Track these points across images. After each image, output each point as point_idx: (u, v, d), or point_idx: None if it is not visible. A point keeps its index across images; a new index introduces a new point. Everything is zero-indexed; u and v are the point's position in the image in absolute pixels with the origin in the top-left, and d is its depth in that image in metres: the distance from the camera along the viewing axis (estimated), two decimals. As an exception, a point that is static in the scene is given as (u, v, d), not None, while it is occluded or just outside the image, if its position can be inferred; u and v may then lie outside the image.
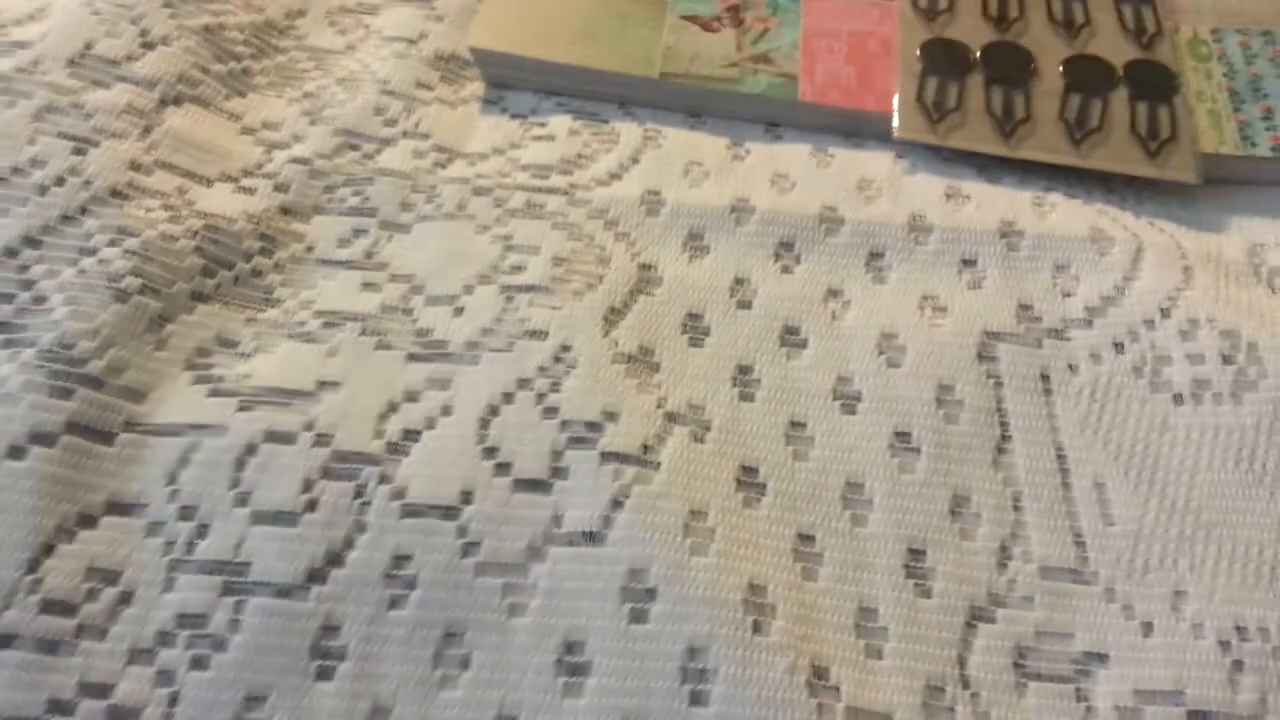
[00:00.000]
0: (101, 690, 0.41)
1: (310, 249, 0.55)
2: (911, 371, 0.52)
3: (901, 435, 0.50)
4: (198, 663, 0.42)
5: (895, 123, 0.63)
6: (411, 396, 0.49)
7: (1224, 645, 0.43)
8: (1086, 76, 0.64)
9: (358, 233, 0.56)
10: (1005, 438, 0.50)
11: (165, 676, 0.42)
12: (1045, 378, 0.52)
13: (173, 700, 0.41)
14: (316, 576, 0.44)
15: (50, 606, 0.42)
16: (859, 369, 0.52)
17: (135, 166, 0.55)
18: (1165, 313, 0.54)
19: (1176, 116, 0.62)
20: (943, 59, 0.65)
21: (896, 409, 0.50)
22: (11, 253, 0.50)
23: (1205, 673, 0.43)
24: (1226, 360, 0.51)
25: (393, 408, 0.49)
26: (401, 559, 0.44)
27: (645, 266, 0.56)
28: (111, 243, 0.52)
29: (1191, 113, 0.63)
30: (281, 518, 0.45)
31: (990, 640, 0.44)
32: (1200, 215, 0.60)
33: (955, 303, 0.55)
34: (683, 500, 0.46)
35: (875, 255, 0.57)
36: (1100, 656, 0.44)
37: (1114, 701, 0.42)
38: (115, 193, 0.54)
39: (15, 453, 0.44)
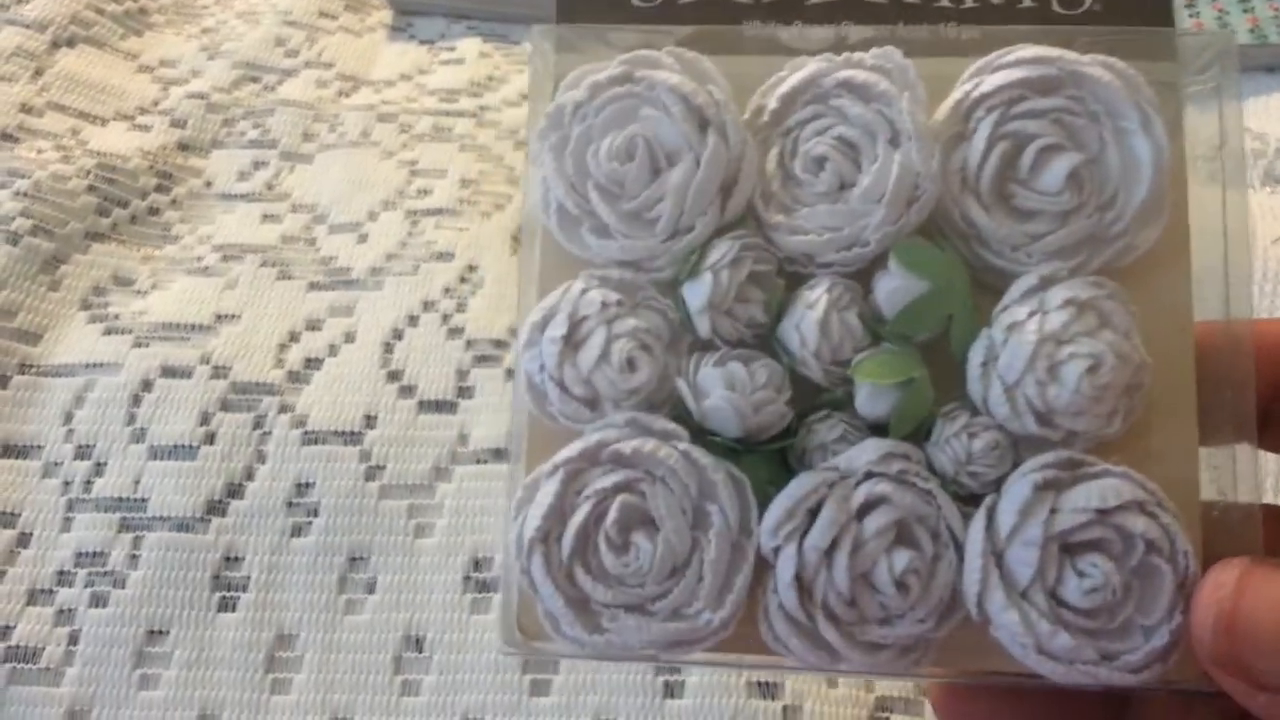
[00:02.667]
0: (0, 632, 0.40)
1: (209, 184, 0.54)
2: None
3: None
4: (97, 600, 0.41)
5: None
6: (313, 325, 0.48)
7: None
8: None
9: (258, 165, 0.55)
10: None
11: (65, 615, 0.41)
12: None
13: (73, 639, 0.40)
14: (216, 508, 0.43)
15: (-55, 552, 0.41)
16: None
17: (26, 109, 0.54)
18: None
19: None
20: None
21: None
22: (-105, 200, 0.49)
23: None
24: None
25: (294, 337, 0.48)
26: (303, 487, 0.43)
27: (556, 185, 0.54)
28: (1, 186, 0.50)
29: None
30: (179, 451, 0.44)
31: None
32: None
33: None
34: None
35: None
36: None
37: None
38: (4, 135, 0.53)
39: (-99, 399, 0.43)
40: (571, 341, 0.25)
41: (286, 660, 0.40)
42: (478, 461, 0.44)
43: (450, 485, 0.43)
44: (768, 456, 0.25)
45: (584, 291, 0.26)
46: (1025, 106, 0.25)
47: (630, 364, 0.25)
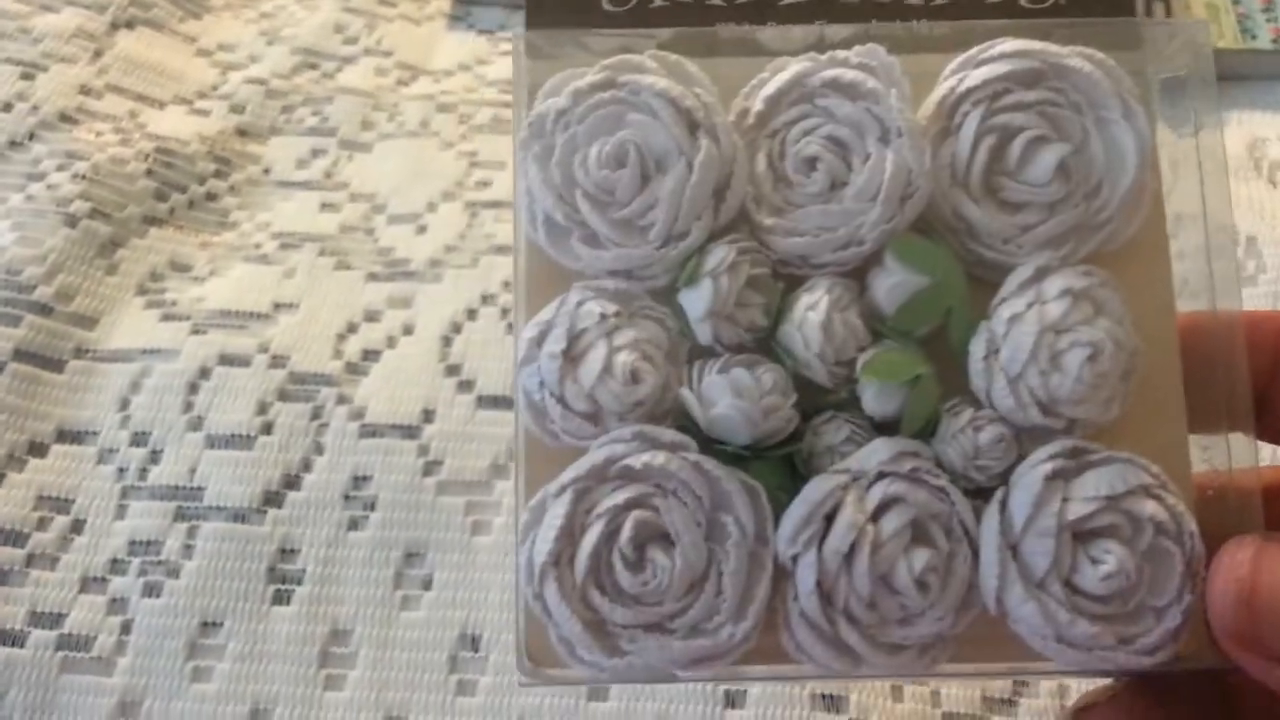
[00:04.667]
0: (53, 620, 0.40)
1: (267, 170, 0.53)
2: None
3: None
4: (151, 590, 0.40)
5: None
6: (371, 316, 0.47)
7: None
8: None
9: (316, 153, 0.54)
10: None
11: (118, 604, 0.40)
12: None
13: (125, 628, 0.40)
14: (273, 500, 0.42)
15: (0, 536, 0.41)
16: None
17: (85, 90, 0.53)
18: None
19: (1172, 10, 0.59)
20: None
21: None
22: (-45, 179, 0.49)
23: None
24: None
25: (352, 328, 0.47)
26: (361, 480, 0.43)
27: (616, 179, 0.54)
28: (60, 167, 0.50)
29: (1188, 6, 0.60)
30: (236, 441, 0.43)
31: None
32: (1198, 111, 0.57)
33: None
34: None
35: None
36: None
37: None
38: (64, 117, 0.52)
39: (-42, 380, 0.43)
40: (571, 356, 0.25)
41: (341, 656, 0.40)
42: (537, 459, 0.43)
43: (509, 483, 0.43)
44: (775, 462, 0.25)
45: (580, 303, 0.25)
46: (1010, 99, 0.25)
47: (634, 376, 0.24)
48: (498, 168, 0.53)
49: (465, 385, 0.45)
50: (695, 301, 0.25)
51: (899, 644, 0.25)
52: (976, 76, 0.26)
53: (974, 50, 0.26)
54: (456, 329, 0.47)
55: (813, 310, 0.25)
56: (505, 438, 0.44)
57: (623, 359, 0.24)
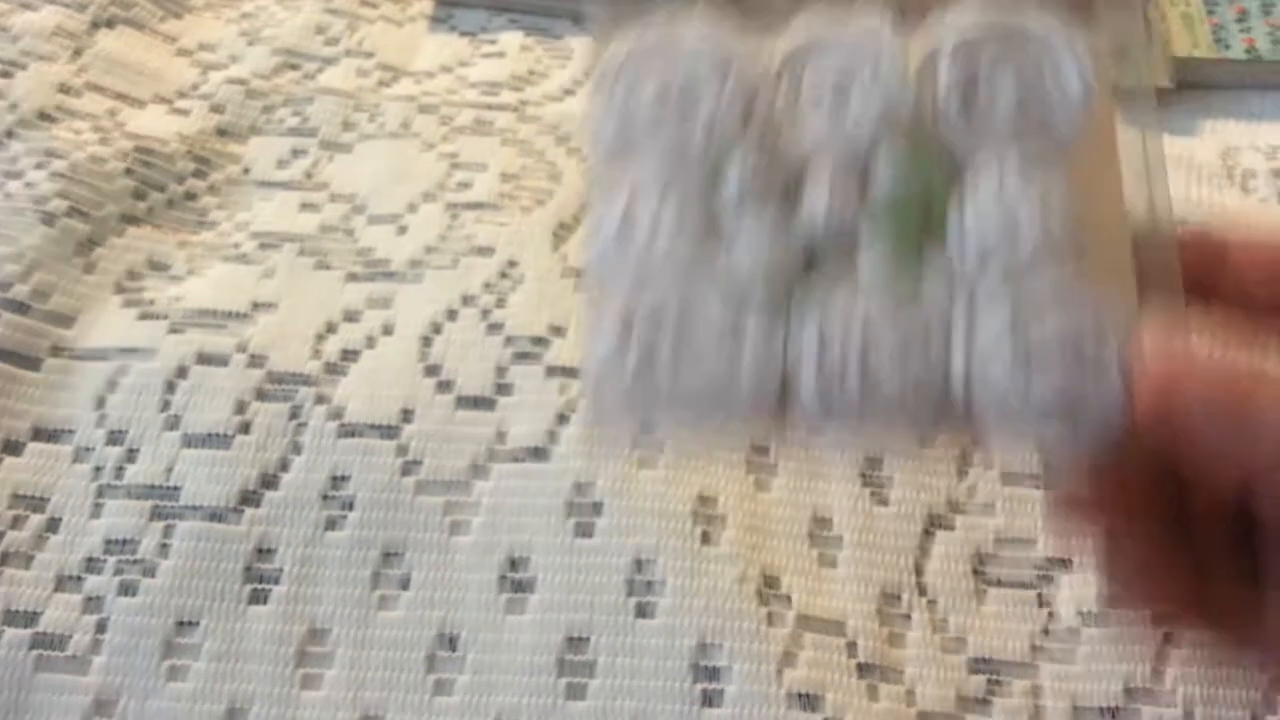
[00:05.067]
0: (27, 618, 0.40)
1: (247, 170, 0.53)
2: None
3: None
4: (126, 589, 0.40)
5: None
6: (351, 316, 0.47)
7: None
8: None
9: (297, 153, 0.54)
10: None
11: (93, 603, 0.40)
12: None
13: (101, 627, 0.40)
14: (250, 499, 0.42)
15: (-27, 535, 0.41)
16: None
17: (64, 89, 0.53)
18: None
19: (1148, 20, 0.60)
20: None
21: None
22: (-68, 177, 0.49)
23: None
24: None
25: (331, 328, 0.47)
26: (339, 479, 0.43)
27: (597, 182, 0.54)
28: (38, 166, 0.50)
29: (1164, 16, 0.61)
30: (213, 440, 0.43)
31: (949, 547, 0.42)
32: (1173, 119, 0.58)
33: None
34: (631, 414, 0.44)
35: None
36: (1063, 562, 0.42)
37: (1077, 607, 0.41)
38: (43, 115, 0.52)
39: (-67, 378, 0.43)
40: (628, 218, 0.29)
41: (318, 655, 0.40)
42: (515, 460, 0.43)
43: (487, 483, 0.43)
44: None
45: (634, 187, 0.29)
46: (977, 49, 0.30)
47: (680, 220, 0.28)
48: (479, 169, 0.53)
49: (444, 385, 0.45)
50: (729, 180, 0.29)
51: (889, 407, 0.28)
52: (948, 31, 0.30)
53: (946, 13, 0.30)
54: (436, 329, 0.47)
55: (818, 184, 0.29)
56: (484, 438, 0.44)
57: (670, 213, 0.28)
